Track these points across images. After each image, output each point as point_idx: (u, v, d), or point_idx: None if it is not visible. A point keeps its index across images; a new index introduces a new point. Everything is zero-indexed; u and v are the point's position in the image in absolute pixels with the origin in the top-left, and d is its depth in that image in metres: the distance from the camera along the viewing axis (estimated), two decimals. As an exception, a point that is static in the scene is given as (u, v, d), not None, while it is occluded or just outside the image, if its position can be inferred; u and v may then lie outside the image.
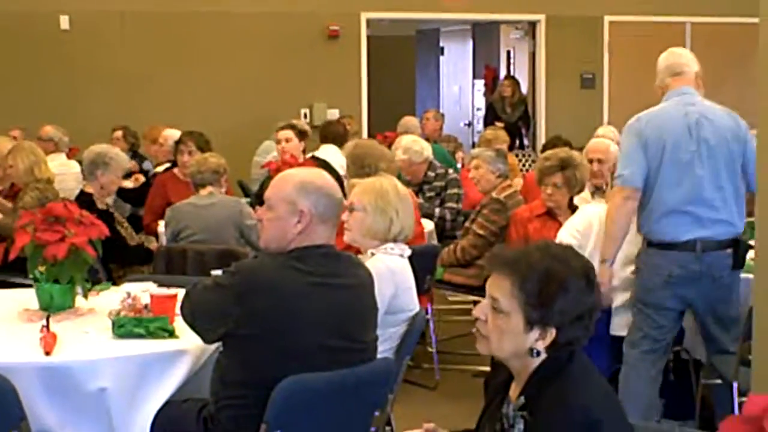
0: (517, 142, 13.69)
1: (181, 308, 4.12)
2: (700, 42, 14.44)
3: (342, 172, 8.54)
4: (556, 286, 2.86)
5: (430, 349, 7.47)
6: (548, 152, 6.96)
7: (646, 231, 5.57)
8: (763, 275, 4.47)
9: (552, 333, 2.87)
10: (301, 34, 13.25)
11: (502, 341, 2.92)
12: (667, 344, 5.63)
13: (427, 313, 7.08)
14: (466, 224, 7.54)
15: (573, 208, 6.56)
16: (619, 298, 5.88)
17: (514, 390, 3.02)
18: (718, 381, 5.59)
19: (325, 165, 8.67)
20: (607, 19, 14.31)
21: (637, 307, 5.59)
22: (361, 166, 6.91)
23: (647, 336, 5.56)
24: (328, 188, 4.14)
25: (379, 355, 4.35)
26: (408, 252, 5.09)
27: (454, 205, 8.43)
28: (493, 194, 7.44)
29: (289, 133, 9.12)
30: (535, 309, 2.86)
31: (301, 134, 9.21)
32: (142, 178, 9.53)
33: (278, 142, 9.22)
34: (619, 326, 5.79)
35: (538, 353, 2.90)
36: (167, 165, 9.34)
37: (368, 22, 13.61)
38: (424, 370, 7.45)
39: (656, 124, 5.65)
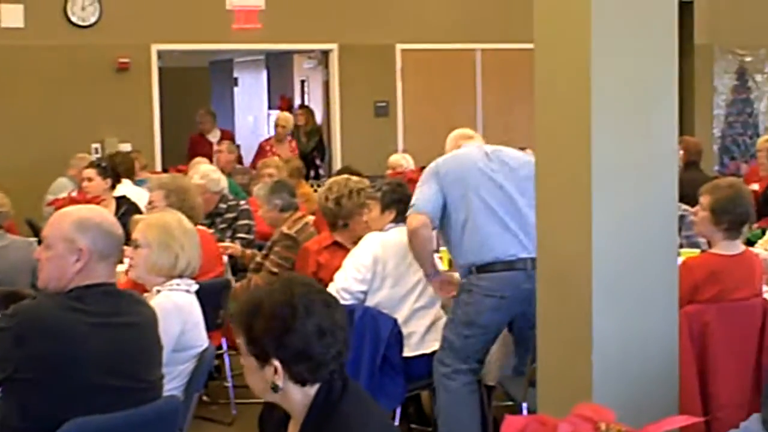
0: (312, 172, 13.68)
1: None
2: (490, 68, 14.78)
3: (142, 206, 8.41)
4: (254, 314, 2.90)
5: (226, 384, 7.37)
6: (347, 185, 6.87)
7: (472, 260, 5.72)
8: (544, 297, 4.56)
9: (278, 366, 2.88)
10: (89, 66, 12.97)
11: (251, 381, 2.98)
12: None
13: (222, 348, 7.03)
14: (258, 259, 7.47)
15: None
16: (413, 325, 5.95)
17: (293, 430, 3.01)
18: (510, 403, 5.70)
19: (129, 203, 8.52)
20: (399, 47, 14.46)
21: (460, 332, 5.69)
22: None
23: (471, 357, 5.68)
24: (107, 225, 4.05)
25: (168, 393, 4.29)
26: (195, 287, 5.02)
27: (244, 235, 8.34)
28: (284, 229, 7.37)
29: (91, 172, 8.75)
30: (251, 345, 2.92)
31: (104, 171, 8.93)
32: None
33: (81, 180, 8.94)
34: (414, 348, 5.93)
35: (279, 388, 2.90)
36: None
37: (159, 53, 13.44)
38: (221, 405, 7.36)
39: (457, 162, 5.97)
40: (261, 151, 13.27)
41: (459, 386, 5.72)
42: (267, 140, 13.84)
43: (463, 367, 5.73)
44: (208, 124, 13.84)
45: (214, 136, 13.58)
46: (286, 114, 14.16)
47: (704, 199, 5.37)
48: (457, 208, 5.80)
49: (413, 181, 8.47)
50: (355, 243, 6.29)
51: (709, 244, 5.63)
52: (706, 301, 5.14)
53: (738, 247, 5.39)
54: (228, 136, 13.86)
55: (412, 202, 5.88)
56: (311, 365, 2.89)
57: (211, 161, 11.70)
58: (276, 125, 13.77)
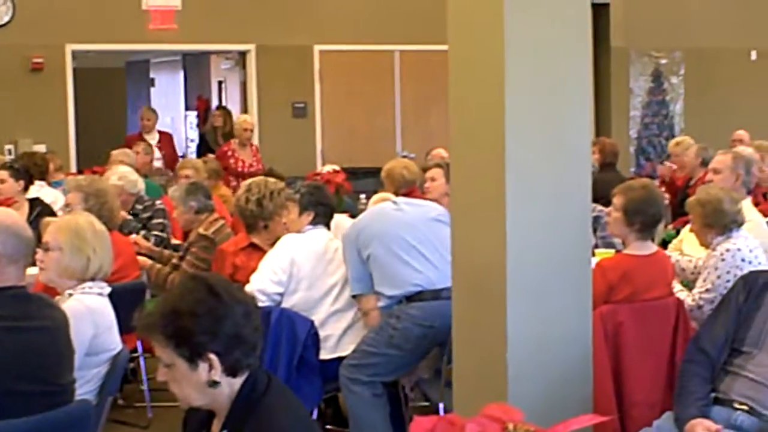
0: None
1: None
2: (409, 70, 14.81)
3: (57, 208, 8.29)
4: (180, 312, 2.92)
5: (142, 388, 7.29)
6: (266, 186, 6.84)
7: (400, 292, 5.87)
8: (459, 300, 4.57)
9: (214, 358, 2.91)
10: (2, 66, 12.77)
11: (186, 390, 2.97)
12: None
13: (137, 350, 6.95)
14: (174, 260, 7.40)
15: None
16: (329, 328, 5.94)
17: (216, 426, 3.03)
18: (426, 403, 5.71)
19: (42, 205, 8.37)
20: (317, 48, 14.43)
21: (382, 349, 5.71)
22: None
23: (379, 375, 5.71)
24: (16, 227, 4.00)
25: (80, 397, 4.23)
26: (107, 290, 4.95)
27: (158, 233, 8.22)
28: (200, 230, 7.31)
29: (3, 174, 8.49)
30: (183, 346, 2.91)
31: (17, 172, 8.74)
32: None
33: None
34: (331, 350, 5.94)
35: (217, 383, 2.93)
36: None
37: (74, 53, 13.28)
38: (137, 408, 7.28)
39: (368, 218, 6.26)
40: (222, 157, 12.23)
41: (362, 390, 5.74)
42: (227, 144, 12.81)
43: (366, 380, 5.74)
44: (152, 121, 13.28)
45: (153, 138, 13.08)
46: (247, 117, 13.38)
47: (617, 200, 5.42)
48: (377, 255, 5.92)
49: (331, 183, 8.50)
50: (272, 245, 6.26)
51: (624, 245, 5.68)
52: (620, 302, 5.18)
53: (650, 247, 5.45)
54: (167, 137, 13.51)
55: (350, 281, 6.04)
56: (246, 349, 2.95)
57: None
58: (242, 129, 12.70)
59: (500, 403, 2.12)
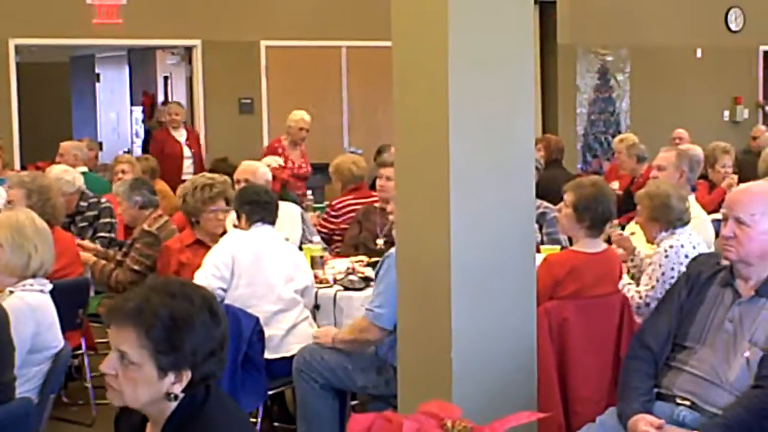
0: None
1: None
2: (356, 66, 14.79)
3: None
4: (183, 327, 2.80)
5: (86, 385, 7.22)
6: (202, 180, 6.82)
7: None
8: (403, 297, 4.57)
9: (188, 374, 2.82)
10: (-56, 62, 12.65)
11: (137, 392, 2.82)
12: None
13: (81, 348, 6.89)
14: (118, 257, 7.34)
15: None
16: (272, 327, 5.92)
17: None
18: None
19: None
20: (263, 43, 14.36)
21: (342, 362, 5.63)
22: None
23: (332, 381, 5.67)
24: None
25: (22, 395, 4.19)
26: (49, 287, 4.90)
27: (106, 234, 8.19)
28: (144, 226, 7.26)
29: None
30: (166, 355, 2.79)
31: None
32: None
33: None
34: (274, 350, 5.90)
35: (176, 397, 2.83)
36: None
37: (17, 48, 13.13)
38: (81, 406, 7.22)
39: None
40: (272, 153, 11.09)
41: (313, 383, 5.69)
42: (277, 140, 11.73)
43: (321, 381, 5.69)
44: (180, 116, 12.66)
45: (180, 135, 12.61)
46: (304, 114, 11.69)
47: (567, 197, 5.43)
48: None
49: (276, 179, 8.47)
50: (216, 241, 6.24)
51: (570, 241, 5.70)
52: (566, 297, 5.19)
53: (599, 245, 5.46)
54: (195, 135, 12.85)
55: (373, 306, 5.41)
56: (218, 359, 2.87)
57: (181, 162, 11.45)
58: (298, 128, 11.49)
59: (438, 400, 2.11)
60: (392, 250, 5.29)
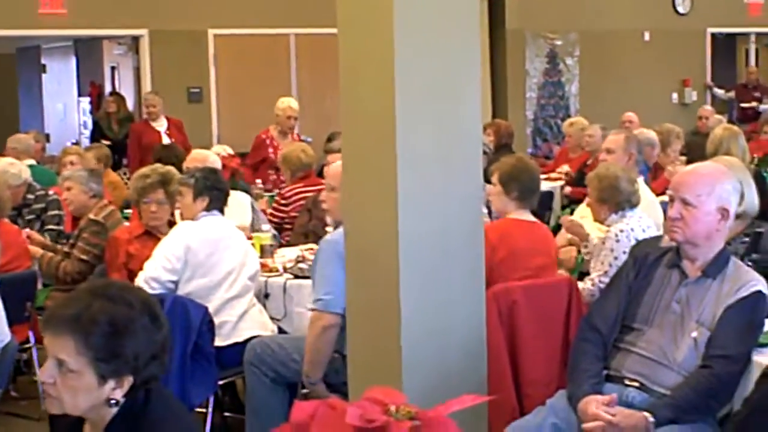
0: (124, 160, 13.30)
1: None
2: (304, 53, 14.75)
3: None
4: (124, 333, 2.74)
5: (35, 379, 7.16)
6: (145, 169, 6.80)
7: None
8: (352, 285, 4.56)
9: (129, 380, 2.76)
10: None
11: (77, 400, 2.74)
12: None
13: (29, 341, 6.82)
14: (65, 249, 7.27)
15: (171, 225, 6.50)
16: (225, 314, 5.90)
17: None
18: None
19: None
20: (211, 32, 14.30)
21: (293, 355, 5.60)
22: None
23: (282, 375, 5.63)
24: None
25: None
26: (-6, 281, 4.86)
27: (54, 227, 8.12)
28: (91, 215, 7.20)
29: None
30: (106, 362, 2.72)
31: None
32: None
33: None
34: (226, 337, 5.89)
35: (117, 402, 2.77)
36: None
37: (-38, 40, 13.02)
38: (30, 400, 7.15)
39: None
40: (261, 145, 10.89)
41: (264, 377, 5.67)
42: (266, 131, 11.18)
43: (271, 375, 5.66)
44: (157, 108, 12.27)
45: (160, 125, 12.28)
46: (291, 102, 11.32)
47: (494, 176, 5.68)
48: None
49: (226, 168, 8.42)
50: (166, 232, 6.21)
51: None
52: (502, 262, 5.32)
53: (530, 216, 5.68)
54: (177, 124, 12.40)
55: (320, 295, 5.14)
56: (159, 362, 2.81)
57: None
58: (286, 116, 11.07)
59: (384, 387, 2.10)
60: (326, 237, 5.38)
